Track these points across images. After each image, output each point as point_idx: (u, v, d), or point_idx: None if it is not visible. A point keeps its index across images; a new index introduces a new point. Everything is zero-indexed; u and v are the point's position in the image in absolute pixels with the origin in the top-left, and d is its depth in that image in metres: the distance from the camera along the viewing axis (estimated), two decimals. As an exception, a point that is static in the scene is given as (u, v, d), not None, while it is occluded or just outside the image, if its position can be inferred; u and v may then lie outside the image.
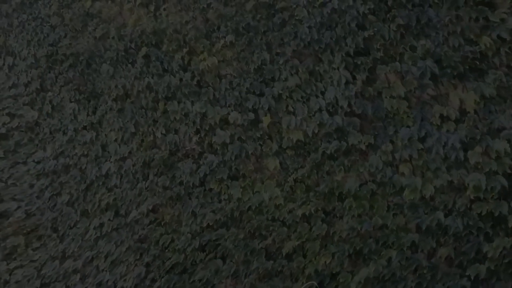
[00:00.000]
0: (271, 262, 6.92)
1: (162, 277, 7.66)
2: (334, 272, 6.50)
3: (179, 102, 7.77)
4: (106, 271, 8.27)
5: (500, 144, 5.61)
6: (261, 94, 7.04)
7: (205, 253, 7.42)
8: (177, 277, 7.57)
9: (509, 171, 5.63)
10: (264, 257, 6.99)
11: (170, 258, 7.62)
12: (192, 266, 7.49)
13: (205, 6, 7.48)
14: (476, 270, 5.70)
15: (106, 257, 8.31)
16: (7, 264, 9.24)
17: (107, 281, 8.22)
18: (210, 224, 7.43)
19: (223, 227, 7.36)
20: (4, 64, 10.51)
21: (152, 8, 8.04)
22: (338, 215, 6.58)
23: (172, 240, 7.70)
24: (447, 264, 5.95)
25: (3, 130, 10.04)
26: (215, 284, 7.30)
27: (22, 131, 9.96)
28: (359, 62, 6.30)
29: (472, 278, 5.72)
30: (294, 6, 6.72)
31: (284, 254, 6.81)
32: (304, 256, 6.71)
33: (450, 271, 5.89)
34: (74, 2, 9.11)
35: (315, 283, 6.49)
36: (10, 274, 9.17)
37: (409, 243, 6.10)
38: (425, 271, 5.99)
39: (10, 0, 10.32)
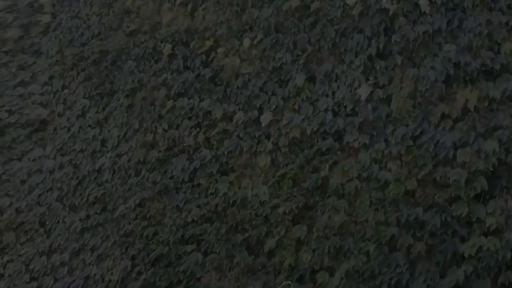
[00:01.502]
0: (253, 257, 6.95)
1: (148, 270, 7.69)
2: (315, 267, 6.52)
3: (189, 98, 7.84)
4: (93, 265, 8.31)
5: (490, 144, 5.67)
6: (273, 94, 7.12)
7: (188, 245, 7.46)
8: (163, 270, 7.59)
9: (492, 169, 5.68)
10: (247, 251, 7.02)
11: (154, 250, 7.65)
12: (177, 259, 7.52)
13: (239, 9, 7.57)
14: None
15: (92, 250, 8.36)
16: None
17: (94, 274, 8.26)
18: (195, 219, 7.47)
19: (207, 222, 7.40)
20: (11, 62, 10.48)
21: (189, 7, 8.14)
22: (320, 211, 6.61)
23: (156, 233, 7.74)
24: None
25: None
26: (200, 277, 7.33)
27: (18, 127, 9.96)
28: (378, 67, 6.38)
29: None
30: (329, 8, 6.81)
31: (266, 250, 6.83)
32: (285, 251, 6.73)
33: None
34: (116, 1, 9.20)
35: (291, 283, 6.50)
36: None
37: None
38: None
39: None
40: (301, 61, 6.91)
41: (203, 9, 7.95)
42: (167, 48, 8.15)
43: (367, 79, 6.44)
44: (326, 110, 6.67)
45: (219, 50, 7.64)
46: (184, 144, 7.84)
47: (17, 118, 9.95)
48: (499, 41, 5.84)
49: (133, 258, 7.89)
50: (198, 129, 7.70)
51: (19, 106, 10.05)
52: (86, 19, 9.61)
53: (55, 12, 10.23)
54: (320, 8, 6.86)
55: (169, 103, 8.00)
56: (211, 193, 7.43)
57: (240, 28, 7.51)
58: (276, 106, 7.02)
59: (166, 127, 8.01)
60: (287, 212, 6.71)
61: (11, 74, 10.22)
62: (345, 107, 6.54)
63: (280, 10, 7.15)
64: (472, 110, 5.84)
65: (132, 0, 8.89)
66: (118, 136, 8.57)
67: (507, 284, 5.54)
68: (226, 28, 7.64)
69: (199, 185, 7.58)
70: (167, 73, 8.14)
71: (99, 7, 9.41)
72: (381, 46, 6.37)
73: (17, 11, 10.45)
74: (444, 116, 5.99)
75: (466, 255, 5.66)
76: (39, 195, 9.27)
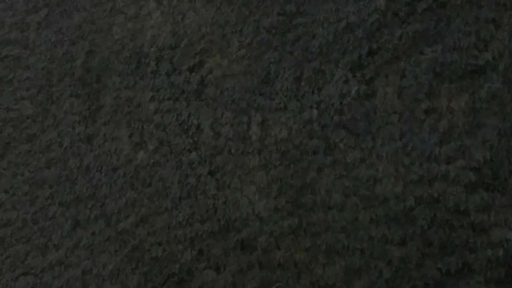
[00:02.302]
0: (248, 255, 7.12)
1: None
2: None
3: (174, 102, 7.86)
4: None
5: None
6: (261, 94, 7.19)
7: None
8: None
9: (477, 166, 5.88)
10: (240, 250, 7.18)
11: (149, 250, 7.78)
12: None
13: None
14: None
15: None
16: None
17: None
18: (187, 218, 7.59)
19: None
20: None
21: (171, 18, 8.06)
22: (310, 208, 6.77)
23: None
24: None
25: None
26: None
27: None
28: (365, 63, 6.44)
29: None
30: (310, 22, 6.78)
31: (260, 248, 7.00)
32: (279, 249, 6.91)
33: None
34: (99, 19, 8.96)
35: (281, 285, 6.70)
36: None
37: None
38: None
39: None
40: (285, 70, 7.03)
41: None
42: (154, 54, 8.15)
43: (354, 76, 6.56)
44: (310, 107, 6.78)
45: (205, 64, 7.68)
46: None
47: None
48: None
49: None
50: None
51: None
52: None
53: None
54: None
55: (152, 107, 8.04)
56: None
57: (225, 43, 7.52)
58: (262, 106, 7.12)
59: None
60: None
61: None
62: (333, 105, 6.63)
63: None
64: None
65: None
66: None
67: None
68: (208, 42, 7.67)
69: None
70: (154, 79, 8.13)
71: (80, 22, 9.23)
72: None
73: None
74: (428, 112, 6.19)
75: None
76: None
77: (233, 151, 7.33)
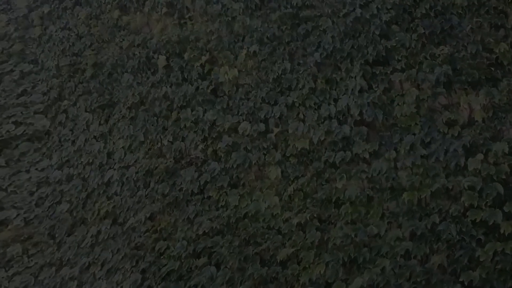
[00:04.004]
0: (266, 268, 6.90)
1: (158, 284, 7.64)
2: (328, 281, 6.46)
3: (192, 110, 7.83)
4: (102, 279, 8.25)
5: (500, 146, 5.66)
6: (275, 103, 7.10)
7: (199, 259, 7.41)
8: (173, 284, 7.53)
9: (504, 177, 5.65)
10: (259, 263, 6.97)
11: (165, 265, 7.60)
12: (188, 273, 7.47)
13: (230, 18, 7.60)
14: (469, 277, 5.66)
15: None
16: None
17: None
18: (206, 231, 7.43)
19: (219, 235, 7.36)
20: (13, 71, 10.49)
21: (176, 16, 8.15)
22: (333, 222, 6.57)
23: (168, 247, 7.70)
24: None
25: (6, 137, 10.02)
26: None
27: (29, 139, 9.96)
28: (377, 72, 6.37)
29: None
30: (318, 14, 6.82)
31: (278, 261, 6.79)
32: (299, 264, 6.68)
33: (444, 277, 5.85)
34: (103, 13, 9.24)
35: None
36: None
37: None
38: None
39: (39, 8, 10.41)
40: (301, 70, 6.92)
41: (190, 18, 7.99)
42: (163, 61, 8.19)
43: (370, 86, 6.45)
44: (330, 117, 6.71)
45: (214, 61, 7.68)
46: (191, 156, 7.83)
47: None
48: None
49: (143, 271, 7.84)
50: (204, 143, 7.71)
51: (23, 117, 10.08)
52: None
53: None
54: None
55: (174, 115, 8.03)
56: (221, 206, 7.41)
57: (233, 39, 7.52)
58: (280, 115, 7.06)
59: (171, 139, 8.02)
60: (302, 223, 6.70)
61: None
62: (351, 116, 6.54)
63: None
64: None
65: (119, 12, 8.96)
66: (123, 147, 8.58)
67: None
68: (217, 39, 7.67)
69: (209, 197, 7.56)
70: (167, 86, 8.15)
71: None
72: None
73: None
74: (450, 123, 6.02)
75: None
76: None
77: (253, 162, 7.24)
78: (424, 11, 6.15)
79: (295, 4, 6.99)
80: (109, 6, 9.07)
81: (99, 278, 8.27)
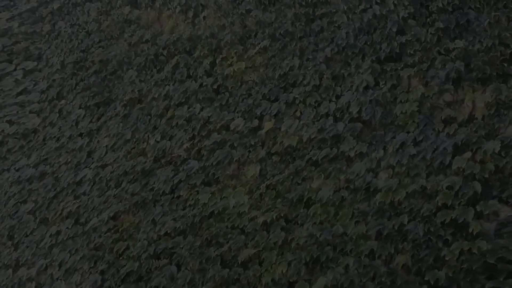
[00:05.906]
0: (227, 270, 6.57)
1: (118, 286, 7.29)
2: (291, 280, 6.14)
3: (189, 107, 7.63)
4: (61, 279, 7.89)
5: (491, 145, 5.43)
6: (275, 100, 6.91)
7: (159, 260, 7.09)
8: (134, 285, 7.19)
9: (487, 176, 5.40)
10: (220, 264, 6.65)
11: (124, 266, 7.26)
12: (148, 273, 7.13)
13: (243, 11, 7.48)
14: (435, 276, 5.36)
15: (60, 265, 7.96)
16: None
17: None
18: (168, 232, 7.12)
19: (181, 235, 7.06)
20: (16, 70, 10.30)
21: (190, 14, 8.04)
22: (299, 223, 6.29)
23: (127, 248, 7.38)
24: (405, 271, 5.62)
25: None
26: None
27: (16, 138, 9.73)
28: (388, 69, 6.20)
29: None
30: (334, 11, 6.70)
31: (240, 262, 6.47)
32: (261, 265, 6.37)
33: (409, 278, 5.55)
34: (113, 9, 9.14)
35: None
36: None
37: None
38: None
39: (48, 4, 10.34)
40: (309, 67, 6.75)
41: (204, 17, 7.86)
42: (173, 61, 8.06)
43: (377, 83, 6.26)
44: (327, 115, 6.50)
45: (223, 57, 7.52)
46: (173, 155, 7.58)
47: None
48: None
49: (102, 272, 7.50)
50: (191, 141, 7.45)
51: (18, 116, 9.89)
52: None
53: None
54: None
55: (169, 113, 7.81)
56: (189, 205, 7.11)
57: (245, 34, 7.38)
58: (277, 112, 6.85)
59: (159, 138, 7.77)
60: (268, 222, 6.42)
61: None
62: (350, 113, 6.33)
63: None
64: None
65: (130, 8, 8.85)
66: (106, 146, 8.33)
67: None
68: (229, 34, 7.53)
69: (179, 197, 7.28)
70: (169, 84, 7.98)
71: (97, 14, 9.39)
72: None
73: None
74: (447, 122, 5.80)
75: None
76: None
77: (234, 159, 6.99)
78: (441, 5, 6.02)
79: (310, 1, 6.90)
80: (120, 1, 9.01)
81: (57, 278, 7.92)
